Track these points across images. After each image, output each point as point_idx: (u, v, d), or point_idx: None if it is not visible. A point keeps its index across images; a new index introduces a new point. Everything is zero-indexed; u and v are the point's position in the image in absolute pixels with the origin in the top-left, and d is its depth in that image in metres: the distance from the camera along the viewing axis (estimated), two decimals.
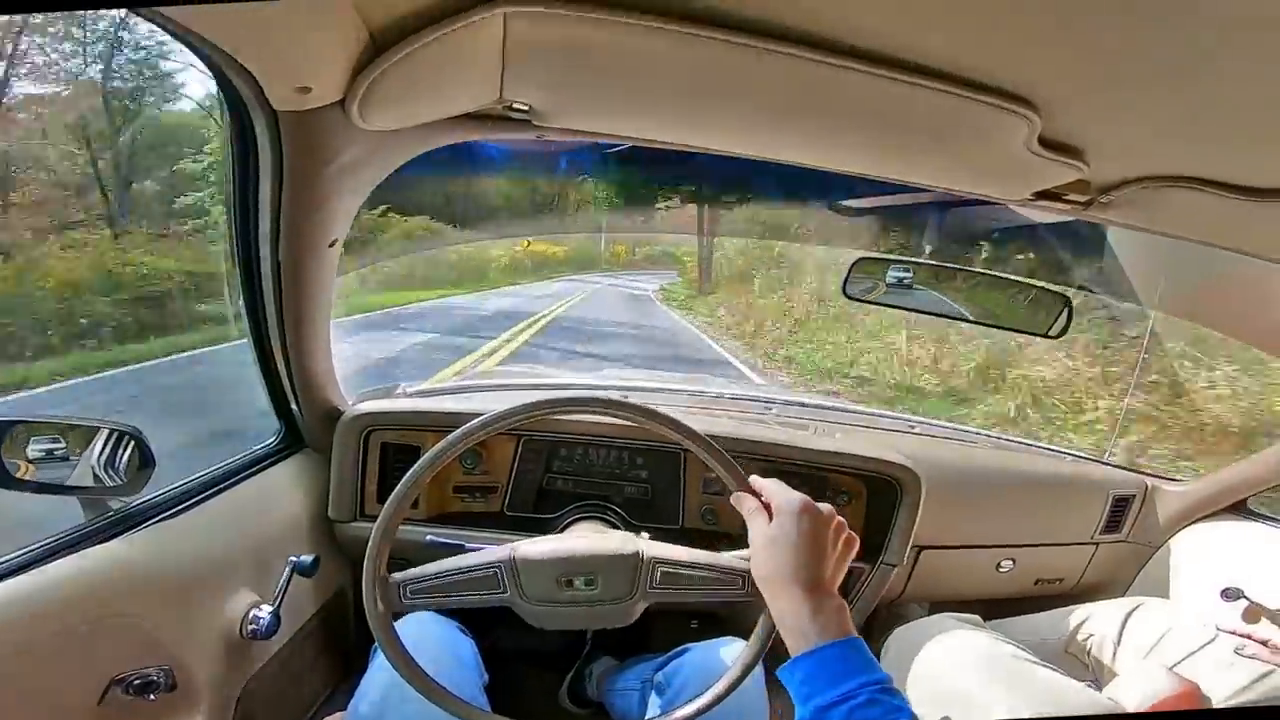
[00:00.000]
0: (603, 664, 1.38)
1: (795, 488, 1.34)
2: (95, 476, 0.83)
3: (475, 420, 0.76)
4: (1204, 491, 1.56)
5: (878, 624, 1.39)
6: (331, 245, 0.95)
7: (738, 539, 0.77)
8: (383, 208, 9.51)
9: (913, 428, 1.91)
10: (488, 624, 1.20)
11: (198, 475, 1.02)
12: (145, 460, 0.85)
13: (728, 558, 0.81)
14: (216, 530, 0.97)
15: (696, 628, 1.72)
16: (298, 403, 1.15)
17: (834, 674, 0.60)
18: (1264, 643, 1.10)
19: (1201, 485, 1.58)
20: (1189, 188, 0.73)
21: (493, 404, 0.80)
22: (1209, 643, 1.12)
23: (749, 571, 0.73)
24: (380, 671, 0.87)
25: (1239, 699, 1.04)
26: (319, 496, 1.22)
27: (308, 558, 0.99)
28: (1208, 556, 1.53)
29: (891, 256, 1.17)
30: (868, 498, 1.37)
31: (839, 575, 0.68)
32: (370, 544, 0.75)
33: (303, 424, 1.20)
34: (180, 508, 0.93)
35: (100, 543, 0.78)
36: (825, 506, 0.69)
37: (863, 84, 0.60)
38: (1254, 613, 1.30)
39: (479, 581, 0.78)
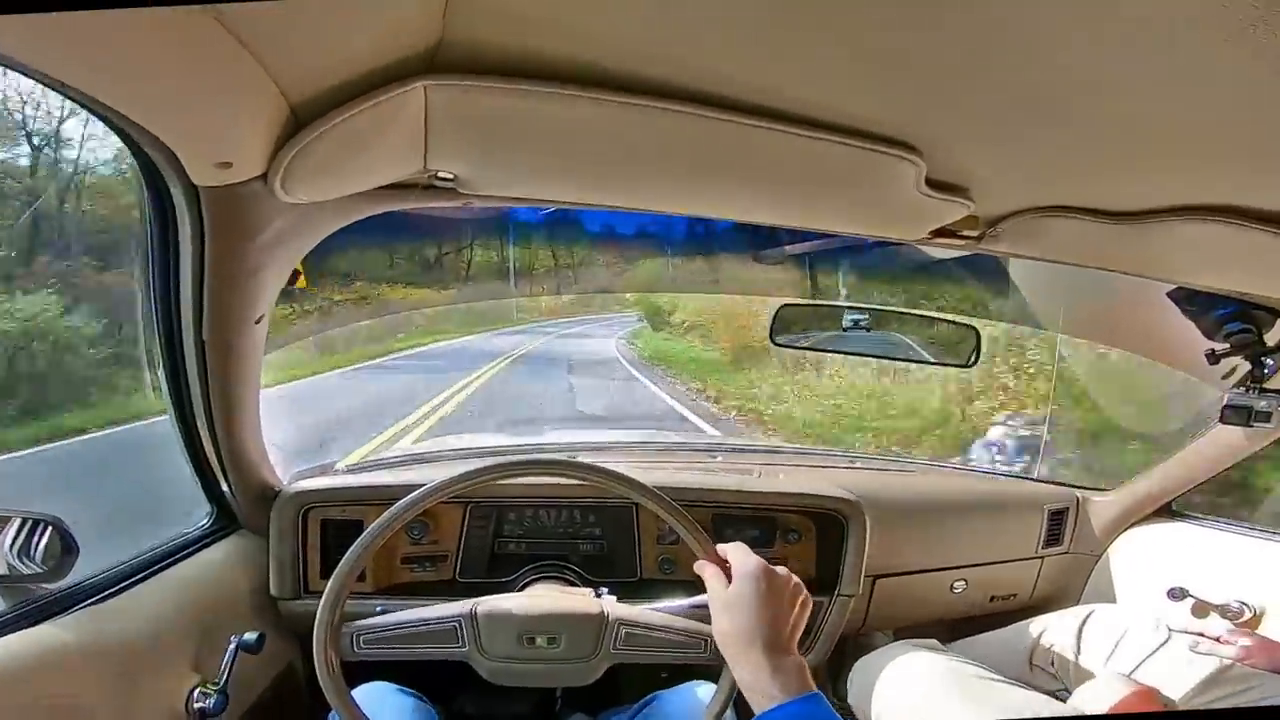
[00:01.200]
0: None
1: (745, 527, 1.37)
2: (9, 565, 0.81)
3: (419, 490, 0.76)
4: (1130, 499, 1.65)
5: (845, 656, 1.40)
6: (258, 321, 0.93)
7: (696, 586, 0.78)
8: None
9: (854, 462, 1.97)
10: (449, 691, 1.19)
11: (125, 561, 0.98)
12: (67, 547, 0.83)
13: (691, 623, 0.83)
14: (152, 612, 0.93)
15: (667, 677, 1.69)
16: (228, 483, 1.11)
17: None
18: (1216, 638, 1.14)
19: (1126, 493, 1.67)
20: (1065, 216, 0.80)
21: (433, 474, 0.81)
22: (1164, 644, 1.15)
23: (711, 636, 0.75)
24: None
25: (1205, 695, 1.06)
26: (259, 574, 1.18)
27: (252, 635, 0.96)
28: (1148, 560, 1.61)
29: (813, 302, 1.23)
30: (816, 533, 1.39)
31: (796, 634, 0.71)
32: (317, 622, 0.74)
33: (235, 505, 1.16)
34: (111, 591, 0.90)
35: (25, 628, 0.74)
36: (781, 570, 0.73)
37: (763, 139, 0.64)
38: (1201, 608, 1.36)
39: (437, 635, 0.77)
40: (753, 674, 0.66)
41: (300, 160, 0.59)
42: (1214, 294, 1.05)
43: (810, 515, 1.37)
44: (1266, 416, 1.09)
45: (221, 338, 0.89)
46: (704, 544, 0.77)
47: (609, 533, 1.35)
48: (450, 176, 0.75)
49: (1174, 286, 1.07)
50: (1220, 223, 0.76)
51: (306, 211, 0.77)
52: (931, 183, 0.72)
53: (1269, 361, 1.07)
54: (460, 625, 0.78)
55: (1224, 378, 1.16)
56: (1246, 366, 1.09)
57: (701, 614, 0.80)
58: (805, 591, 0.74)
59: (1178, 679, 1.08)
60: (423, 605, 1.17)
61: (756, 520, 1.37)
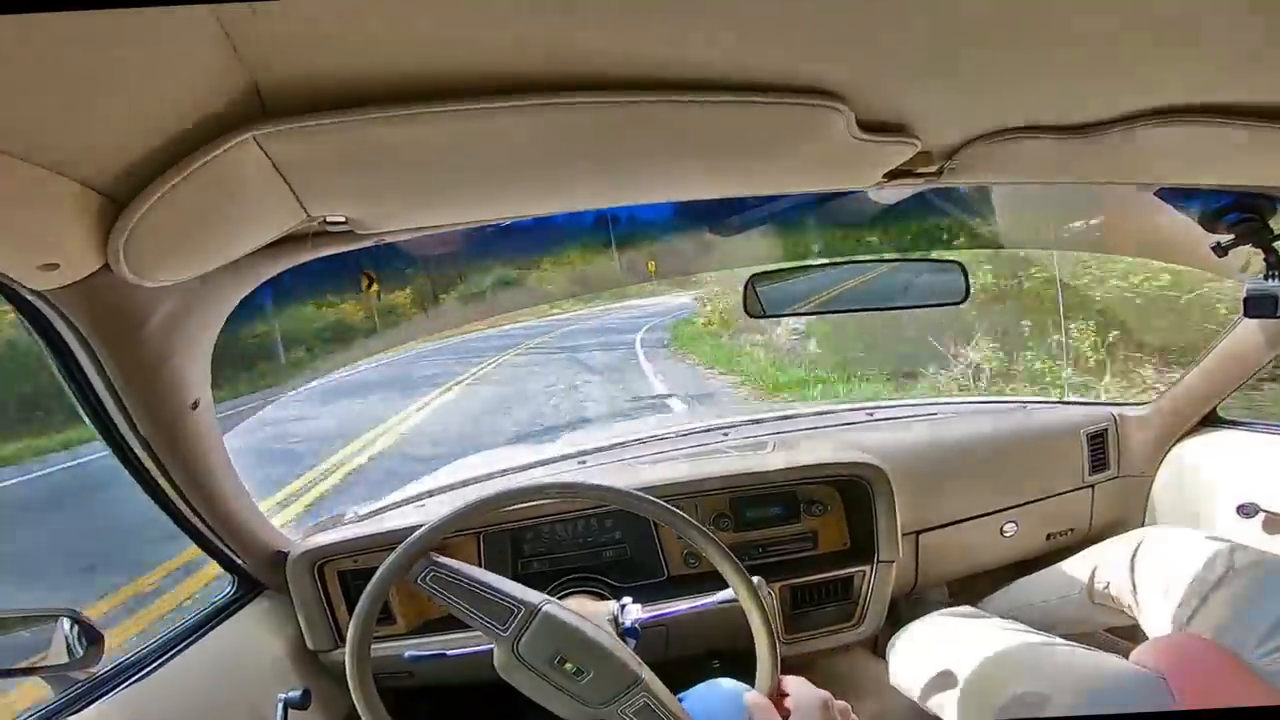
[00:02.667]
0: None
1: (766, 505, 1.35)
2: (39, 659, 0.84)
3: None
4: (1170, 411, 1.56)
5: (900, 621, 1.36)
6: (195, 406, 0.88)
7: (722, 580, 0.81)
8: None
9: (872, 415, 1.88)
10: None
11: (158, 636, 1.01)
12: (92, 636, 0.85)
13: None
14: (196, 682, 0.97)
15: (718, 666, 1.66)
16: (236, 554, 1.13)
17: None
18: None
19: (1165, 404, 1.57)
20: (1022, 137, 0.73)
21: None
22: (1222, 579, 1.05)
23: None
24: None
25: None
26: (294, 631, 1.21)
27: (296, 692, 0.97)
28: (1205, 474, 1.51)
29: (785, 265, 1.15)
30: (843, 501, 1.36)
31: None
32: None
33: (252, 570, 1.18)
34: (150, 668, 0.92)
35: (77, 712, 0.77)
36: (841, 704, 0.75)
37: (670, 113, 0.57)
38: (1273, 522, 1.29)
39: (494, 607, 0.78)
40: None
41: (138, 242, 0.53)
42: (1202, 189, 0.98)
43: (833, 484, 1.33)
44: None
45: (159, 430, 0.85)
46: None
47: (630, 537, 1.34)
48: (341, 220, 0.69)
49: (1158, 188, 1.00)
50: (1185, 123, 0.70)
51: (192, 289, 0.71)
52: (864, 126, 0.65)
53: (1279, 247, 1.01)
54: (518, 611, 0.78)
55: (1241, 270, 1.08)
56: (1260, 255, 1.02)
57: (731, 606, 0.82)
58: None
59: (1256, 612, 0.99)
60: (457, 640, 1.17)
61: (777, 498, 1.34)
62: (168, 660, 0.94)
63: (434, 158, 0.59)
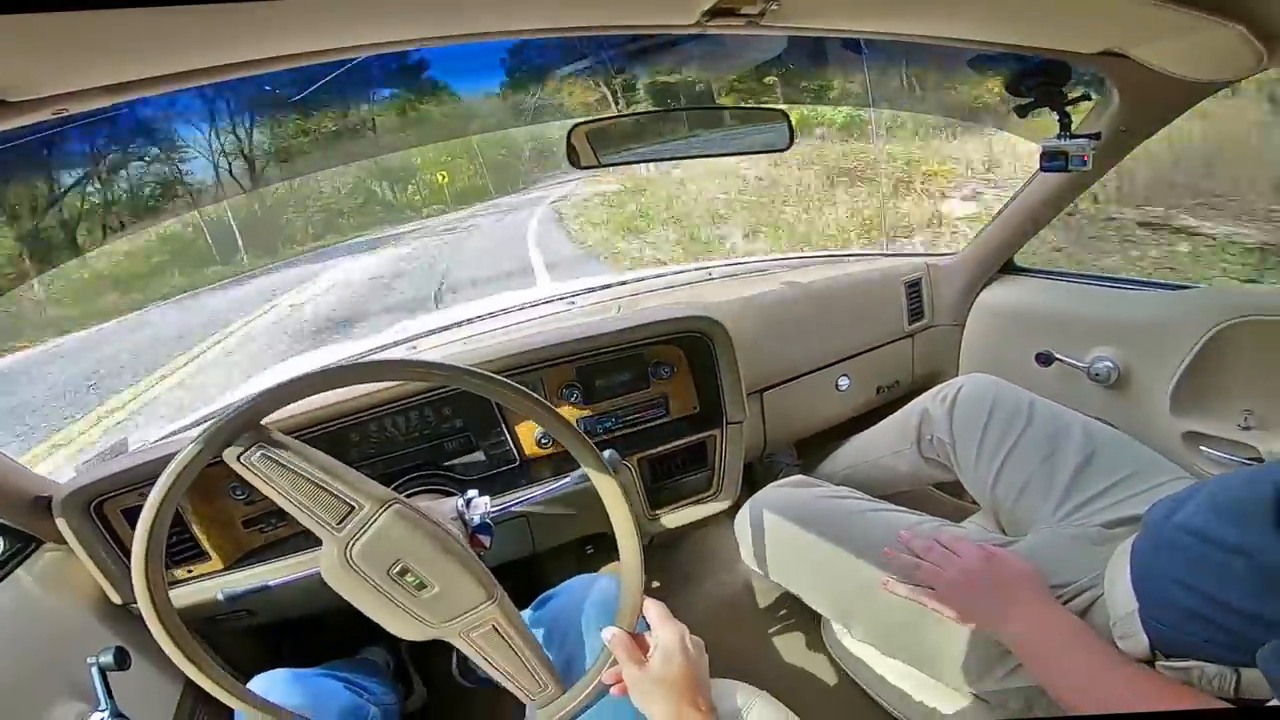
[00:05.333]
0: None
1: (614, 373, 1.31)
2: None
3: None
4: (973, 259, 1.67)
5: (755, 485, 1.40)
6: None
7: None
8: None
9: (711, 274, 1.93)
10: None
11: None
12: None
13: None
14: None
15: (592, 553, 1.71)
16: None
17: None
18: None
19: (969, 253, 1.69)
20: None
21: None
22: (1028, 424, 1.16)
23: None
24: None
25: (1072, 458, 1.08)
26: (93, 586, 1.07)
27: (108, 653, 0.87)
28: (1006, 320, 1.64)
29: (606, 116, 1.08)
30: (689, 363, 1.35)
31: (708, 689, 0.72)
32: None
33: (13, 523, 1.02)
34: None
35: None
36: (695, 639, 0.76)
37: None
38: (1066, 372, 1.42)
39: (331, 501, 0.69)
40: None
41: None
42: (1009, 54, 1.01)
43: (676, 343, 1.32)
44: (1080, 159, 1.13)
45: None
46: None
47: (472, 422, 1.24)
48: None
49: (974, 55, 1.03)
50: None
51: None
52: None
53: (1069, 110, 1.12)
54: (359, 505, 0.69)
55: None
56: (1055, 116, 1.13)
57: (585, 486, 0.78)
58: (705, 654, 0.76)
59: (1048, 470, 1.10)
60: (283, 567, 1.09)
61: (625, 364, 1.31)
62: None
63: None
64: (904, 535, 1.02)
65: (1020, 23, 0.88)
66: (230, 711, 0.84)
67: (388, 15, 0.60)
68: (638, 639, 0.75)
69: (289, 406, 0.70)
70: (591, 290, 1.85)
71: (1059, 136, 1.13)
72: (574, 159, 1.07)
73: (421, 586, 0.71)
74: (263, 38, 0.58)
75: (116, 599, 1.07)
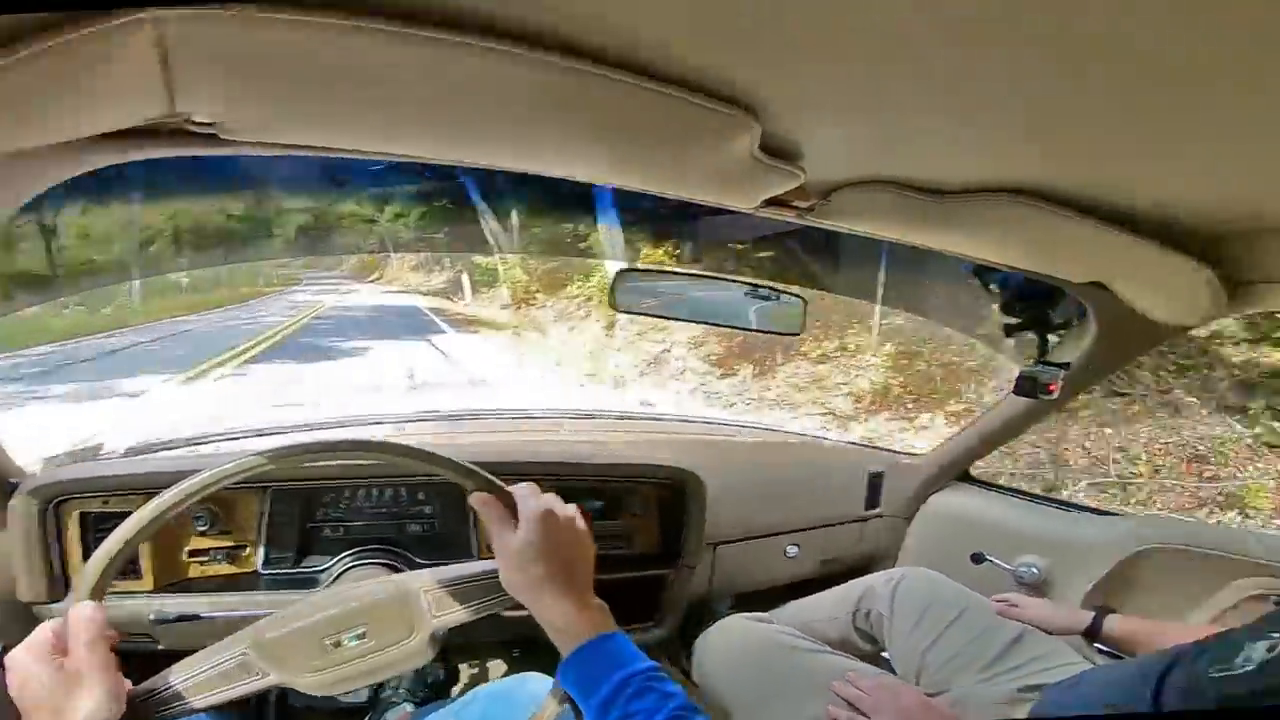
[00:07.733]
0: (397, 712, 1.25)
1: (589, 499, 1.34)
2: None
3: (201, 475, 0.63)
4: (935, 464, 1.77)
5: (689, 626, 1.41)
6: None
7: None
8: None
9: (691, 423, 2.01)
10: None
11: None
12: None
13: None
14: None
15: (519, 657, 1.63)
16: None
17: (604, 668, 0.62)
18: (1013, 605, 1.24)
19: (933, 458, 1.78)
20: (889, 190, 0.81)
21: (230, 455, 0.70)
22: (960, 615, 1.23)
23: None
24: None
25: (1004, 661, 1.13)
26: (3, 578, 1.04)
27: None
28: (950, 523, 1.73)
29: (653, 267, 1.18)
30: (658, 505, 1.38)
31: (590, 573, 0.69)
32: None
33: None
34: None
35: None
36: (569, 507, 0.71)
37: (597, 87, 0.56)
38: (995, 572, 1.47)
39: (229, 673, 0.65)
40: (557, 617, 0.65)
41: None
42: (1012, 272, 1.13)
43: (653, 486, 1.36)
44: (1048, 388, 1.20)
45: None
46: (478, 479, 0.70)
47: (440, 510, 1.25)
48: (209, 121, 0.59)
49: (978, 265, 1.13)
50: (1021, 204, 0.80)
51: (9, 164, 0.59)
52: (767, 148, 0.68)
53: (1051, 337, 1.19)
54: (250, 656, 0.66)
55: (1029, 358, 1.25)
56: (1036, 340, 1.20)
57: None
58: (588, 533, 0.72)
59: (977, 647, 1.16)
60: (213, 601, 1.07)
61: (601, 494, 1.34)
62: None
63: (335, 74, 0.53)
64: (851, 677, 1.09)
65: (1027, 247, 1.00)
66: None
67: (524, 150, 0.70)
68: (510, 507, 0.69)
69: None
70: (582, 415, 1.92)
71: (1037, 362, 1.21)
72: (619, 301, 1.15)
73: (361, 635, 0.71)
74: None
75: (27, 596, 1.03)
